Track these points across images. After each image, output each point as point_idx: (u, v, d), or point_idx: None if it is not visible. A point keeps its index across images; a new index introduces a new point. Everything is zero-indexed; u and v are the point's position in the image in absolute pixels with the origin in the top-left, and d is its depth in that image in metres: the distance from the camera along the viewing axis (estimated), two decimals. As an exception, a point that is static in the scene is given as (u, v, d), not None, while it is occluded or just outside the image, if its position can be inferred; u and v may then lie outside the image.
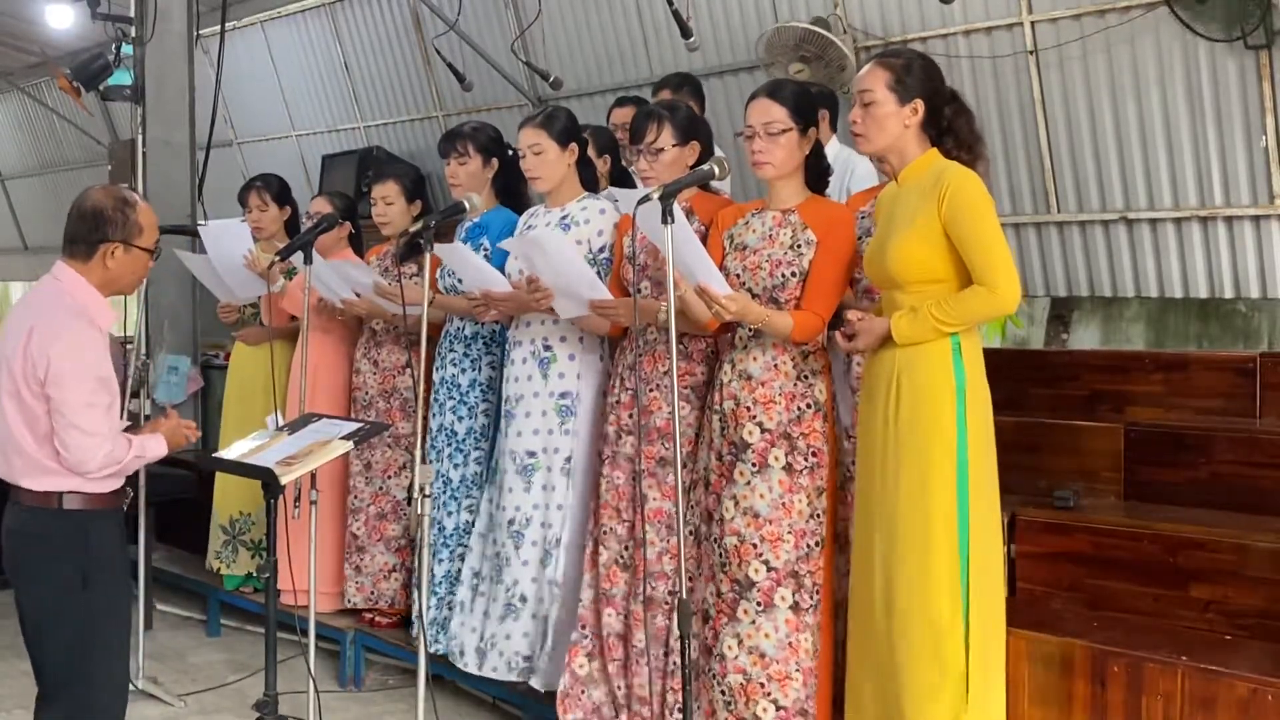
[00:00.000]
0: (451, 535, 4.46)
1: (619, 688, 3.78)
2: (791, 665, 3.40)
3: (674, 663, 3.66)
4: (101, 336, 3.17)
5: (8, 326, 3.16)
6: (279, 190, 5.61)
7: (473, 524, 4.44)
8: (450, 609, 4.44)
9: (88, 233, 3.15)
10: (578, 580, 4.02)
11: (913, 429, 3.07)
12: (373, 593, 4.95)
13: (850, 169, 4.48)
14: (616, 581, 3.79)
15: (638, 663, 3.69)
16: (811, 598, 3.42)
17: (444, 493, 4.46)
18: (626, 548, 3.77)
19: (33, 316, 3.09)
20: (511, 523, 4.10)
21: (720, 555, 3.50)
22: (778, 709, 3.39)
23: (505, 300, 4.04)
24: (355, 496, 5.01)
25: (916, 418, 3.07)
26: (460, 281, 4.40)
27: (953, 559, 3.02)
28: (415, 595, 4.18)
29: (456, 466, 4.46)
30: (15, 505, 3.14)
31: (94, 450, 3.05)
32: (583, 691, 3.85)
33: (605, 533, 3.83)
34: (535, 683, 4.08)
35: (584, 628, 3.88)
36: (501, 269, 4.16)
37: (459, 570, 4.44)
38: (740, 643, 3.44)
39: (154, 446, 3.21)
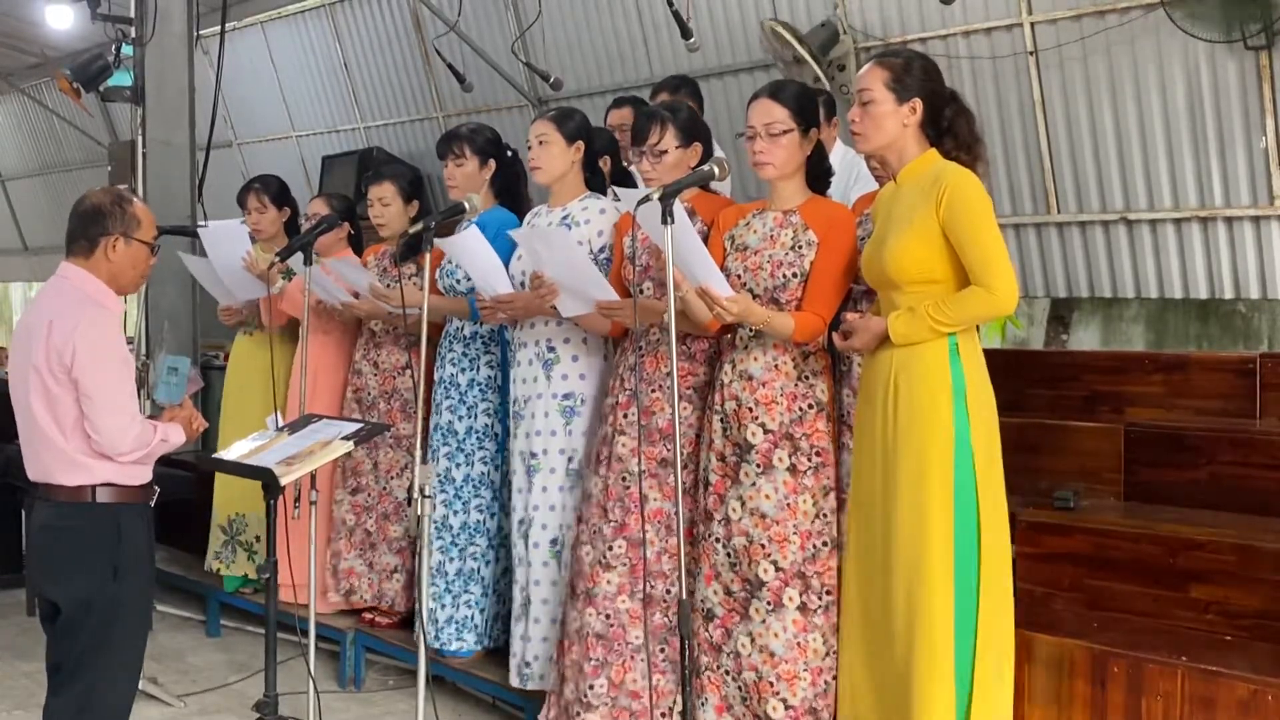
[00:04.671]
0: (460, 534, 4.46)
1: (606, 685, 3.76)
2: (799, 665, 3.40)
3: (669, 660, 3.66)
4: (116, 320, 3.28)
5: (24, 331, 3.25)
6: (278, 191, 5.61)
7: (483, 524, 4.45)
8: (469, 607, 4.45)
9: (87, 228, 3.26)
10: None
11: (910, 429, 3.07)
12: (378, 591, 4.96)
13: (855, 171, 4.48)
14: (599, 581, 3.77)
15: (632, 659, 3.69)
16: (820, 598, 3.42)
17: (446, 491, 4.47)
18: (610, 548, 3.76)
19: (49, 313, 3.18)
20: (522, 523, 4.11)
21: (728, 555, 3.50)
22: (786, 708, 3.39)
23: (511, 302, 4.04)
24: (367, 494, 5.02)
25: (914, 418, 3.07)
26: (459, 282, 4.40)
27: (947, 557, 3.02)
28: (417, 594, 4.18)
29: (459, 466, 4.46)
30: (45, 502, 3.21)
31: (124, 431, 3.14)
32: (584, 692, 3.85)
33: (592, 533, 3.82)
34: (536, 684, 4.08)
35: (576, 629, 3.88)
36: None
37: (474, 569, 4.45)
38: (753, 640, 3.45)
39: (175, 434, 3.29)
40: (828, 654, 3.43)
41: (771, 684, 3.41)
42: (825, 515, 3.45)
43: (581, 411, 4.05)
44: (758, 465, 3.44)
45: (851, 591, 3.28)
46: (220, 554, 5.56)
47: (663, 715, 3.66)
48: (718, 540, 3.53)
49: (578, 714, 3.76)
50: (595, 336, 4.06)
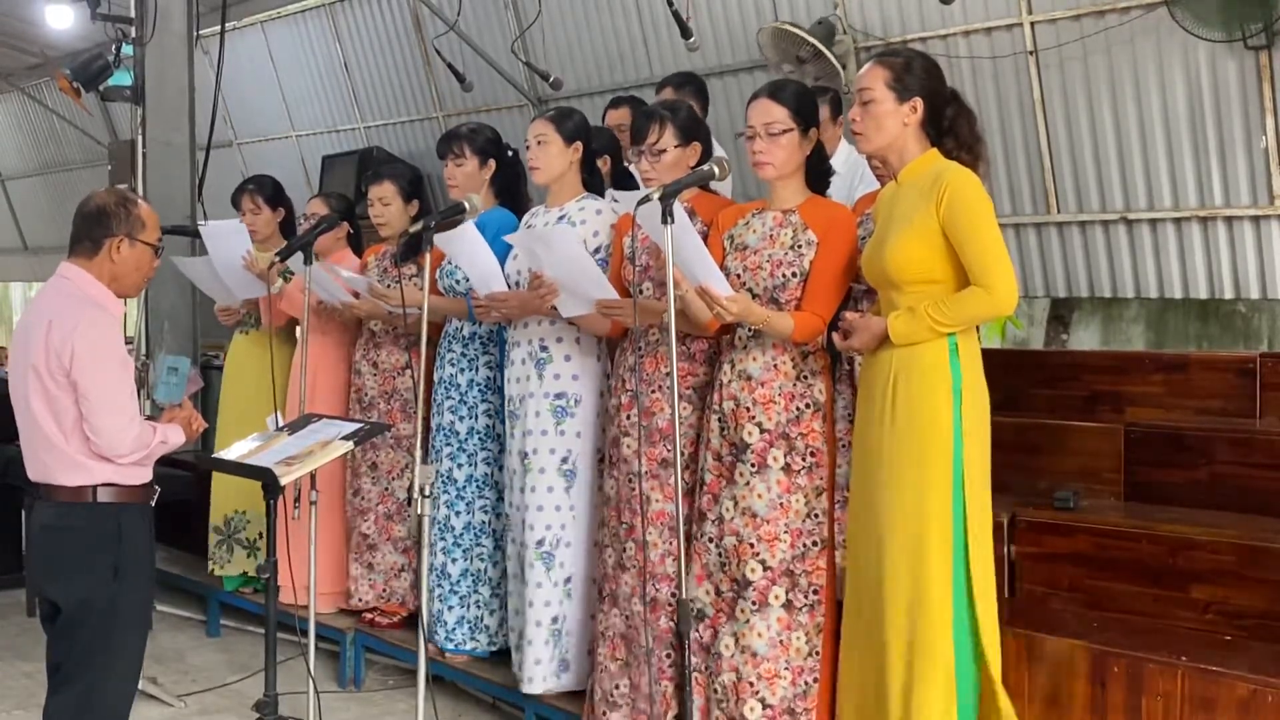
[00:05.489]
0: (463, 534, 4.46)
1: (629, 686, 3.78)
2: (781, 664, 3.40)
3: (676, 664, 3.66)
4: (116, 321, 3.27)
5: (23, 331, 3.24)
6: (272, 192, 5.60)
7: (488, 524, 4.46)
8: (479, 608, 4.46)
9: (92, 229, 3.25)
10: (584, 581, 4.03)
11: (909, 429, 3.07)
12: (384, 590, 4.96)
13: (860, 171, 4.47)
14: (619, 583, 3.80)
15: (644, 663, 3.70)
16: (807, 597, 3.42)
17: (449, 492, 4.47)
18: (625, 549, 3.78)
19: (48, 313, 3.18)
20: (523, 523, 4.11)
21: (719, 555, 3.50)
22: (765, 707, 3.39)
23: (508, 301, 4.04)
24: (364, 497, 5.02)
25: (913, 418, 3.07)
26: (459, 283, 4.40)
27: (946, 558, 3.02)
28: (418, 594, 4.17)
29: (460, 466, 4.46)
30: (46, 503, 3.21)
31: (123, 432, 3.14)
32: (609, 691, 3.85)
33: (612, 535, 3.84)
34: (545, 688, 4.08)
35: (603, 629, 3.90)
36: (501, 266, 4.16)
37: (480, 570, 4.46)
38: (736, 641, 3.44)
39: (174, 434, 3.29)
40: (810, 654, 3.42)
41: (751, 684, 3.40)
42: (817, 515, 3.45)
43: (576, 412, 4.05)
44: (752, 465, 3.44)
45: (850, 591, 3.28)
46: (215, 555, 5.56)
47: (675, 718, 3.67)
48: (710, 540, 3.53)
49: (604, 713, 3.79)
50: (589, 336, 4.06)
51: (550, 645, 4.06)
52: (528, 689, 4.08)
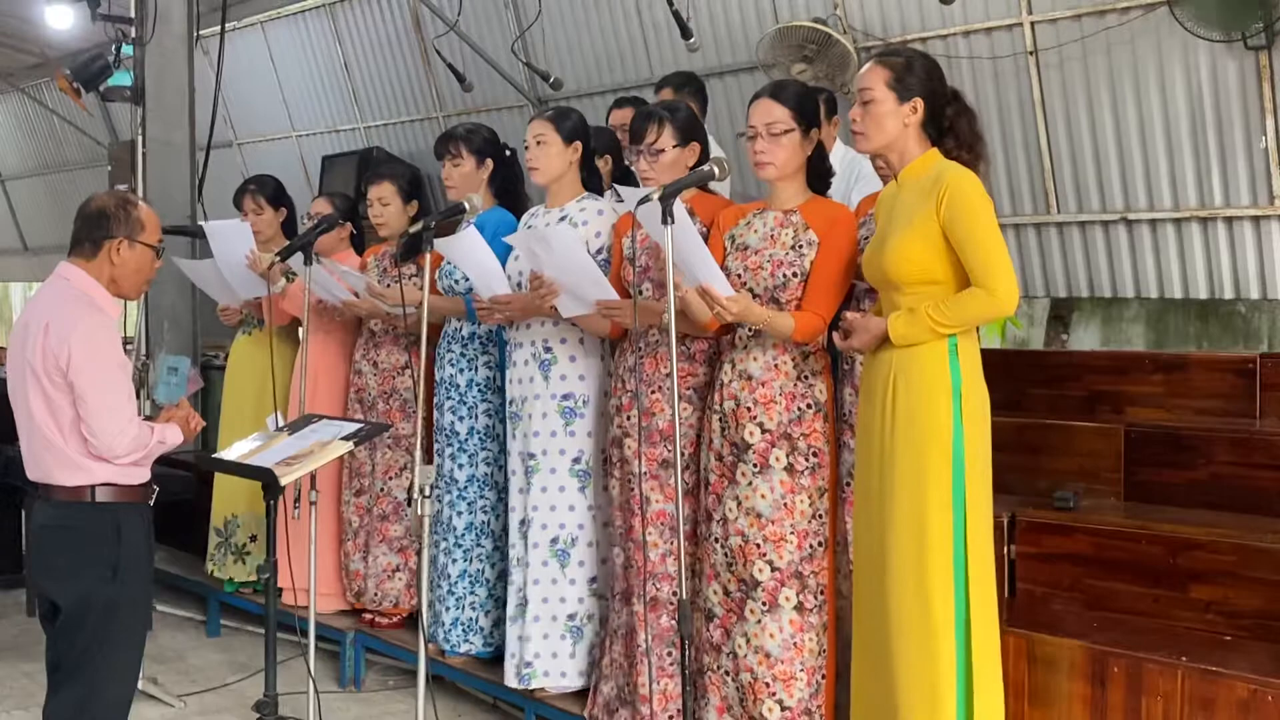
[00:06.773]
0: (464, 535, 4.47)
1: (626, 685, 3.79)
2: (796, 665, 3.41)
3: (676, 662, 3.67)
4: (113, 324, 3.28)
5: (21, 330, 3.24)
6: (273, 192, 5.60)
7: (488, 525, 4.46)
8: (474, 609, 4.46)
9: (92, 231, 3.26)
10: (604, 579, 4.04)
11: (909, 429, 3.07)
12: (377, 593, 4.96)
13: (856, 171, 4.47)
14: (628, 584, 3.80)
15: (642, 661, 3.70)
16: (816, 598, 3.44)
17: (450, 493, 4.47)
18: (628, 550, 3.79)
19: (46, 314, 3.19)
20: (523, 523, 4.11)
21: (725, 555, 3.51)
22: (783, 709, 3.40)
23: (510, 303, 4.04)
24: (369, 496, 5.02)
25: (912, 418, 3.07)
26: (458, 282, 4.40)
27: (946, 559, 3.02)
28: (418, 594, 4.17)
29: (461, 467, 4.47)
30: (45, 502, 3.22)
31: (121, 433, 3.14)
32: (616, 689, 3.86)
33: (618, 536, 3.86)
34: (547, 684, 4.08)
35: (614, 629, 3.91)
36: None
37: (478, 570, 4.46)
38: (748, 642, 3.46)
39: (172, 434, 3.30)
40: (821, 653, 3.44)
41: (767, 685, 3.41)
42: (821, 516, 3.46)
43: (584, 412, 4.05)
44: (754, 465, 3.45)
45: (858, 592, 3.28)
46: (214, 556, 5.57)
47: (670, 717, 3.67)
48: (716, 540, 3.54)
49: (615, 709, 3.79)
50: (592, 337, 4.06)
51: (567, 641, 4.06)
52: (540, 684, 4.06)
